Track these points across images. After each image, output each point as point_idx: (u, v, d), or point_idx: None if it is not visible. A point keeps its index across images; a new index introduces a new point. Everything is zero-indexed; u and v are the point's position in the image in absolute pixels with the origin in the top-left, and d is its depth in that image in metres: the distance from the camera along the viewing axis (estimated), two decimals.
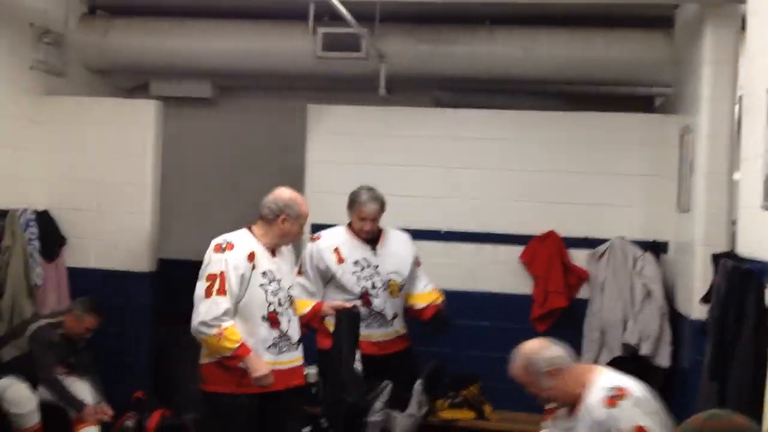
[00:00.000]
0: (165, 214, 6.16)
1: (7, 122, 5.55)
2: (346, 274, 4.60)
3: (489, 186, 5.68)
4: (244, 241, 3.98)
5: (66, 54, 6.14)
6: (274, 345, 3.93)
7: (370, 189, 4.75)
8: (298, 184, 6.01)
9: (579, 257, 5.52)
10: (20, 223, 5.46)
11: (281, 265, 4.05)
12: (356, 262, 4.64)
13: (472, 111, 5.87)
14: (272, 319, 3.91)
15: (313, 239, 4.77)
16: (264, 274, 3.93)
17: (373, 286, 4.63)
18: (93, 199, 5.90)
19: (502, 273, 5.63)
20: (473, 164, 5.69)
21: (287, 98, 6.92)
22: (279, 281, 3.98)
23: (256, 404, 3.91)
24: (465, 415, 5.19)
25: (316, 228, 5.75)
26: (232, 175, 7.07)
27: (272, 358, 3.92)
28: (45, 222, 5.71)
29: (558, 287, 5.43)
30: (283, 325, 3.96)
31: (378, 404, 4.60)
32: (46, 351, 4.92)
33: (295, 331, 4.04)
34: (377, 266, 4.67)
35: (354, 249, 4.68)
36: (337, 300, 4.49)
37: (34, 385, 4.91)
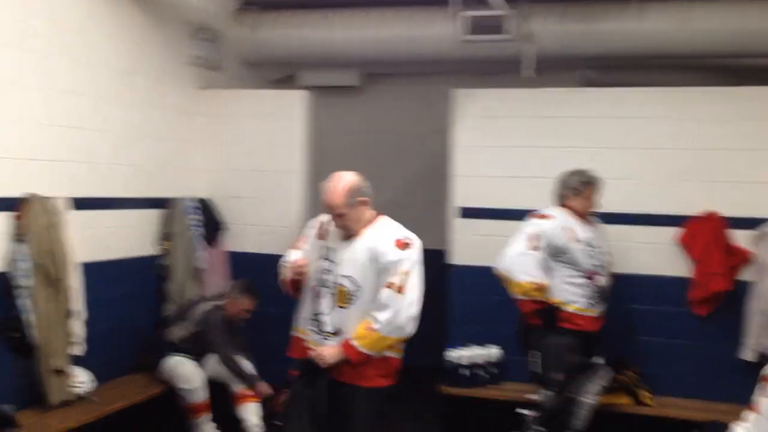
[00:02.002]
0: (315, 200, 6.33)
1: (169, 115, 5.87)
2: (578, 252, 4.69)
3: (644, 166, 5.50)
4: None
5: (220, 48, 6.43)
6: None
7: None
8: (442, 169, 6.06)
9: (742, 237, 5.26)
10: (184, 211, 5.79)
11: None
12: (587, 242, 4.74)
13: (625, 90, 5.71)
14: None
15: (545, 217, 4.75)
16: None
17: (601, 265, 4.79)
18: (249, 186, 6.16)
19: (657, 255, 5.46)
20: (626, 144, 5.53)
21: (431, 83, 6.97)
22: None
23: None
24: (621, 400, 5.07)
25: (466, 212, 5.78)
26: (379, 160, 7.19)
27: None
28: (206, 209, 6.03)
29: (719, 269, 5.20)
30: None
31: (595, 386, 4.72)
32: (219, 331, 5.18)
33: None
34: (600, 247, 4.82)
35: (581, 229, 4.77)
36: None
37: (199, 363, 5.19)
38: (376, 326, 3.53)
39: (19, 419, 4.15)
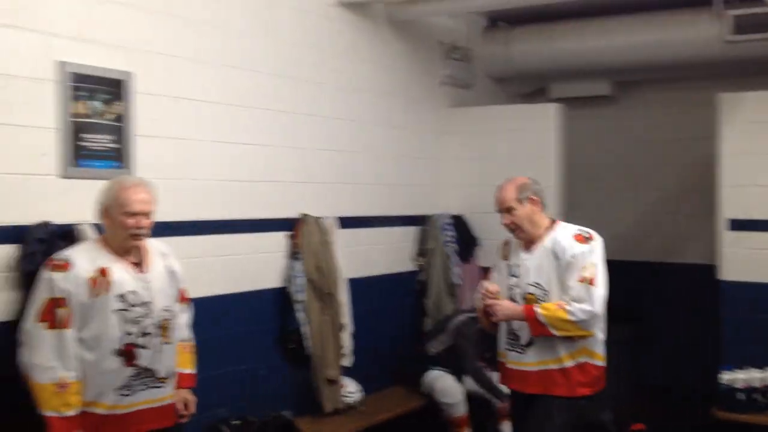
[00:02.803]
0: (568, 213, 6.21)
1: (423, 134, 6.05)
2: None
3: None
4: None
5: (471, 67, 6.53)
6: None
7: None
8: (707, 178, 5.70)
9: None
10: (439, 227, 5.92)
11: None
12: None
13: None
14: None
15: None
16: None
17: None
18: None
19: None
20: None
21: (690, 89, 6.63)
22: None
23: None
24: None
25: (737, 224, 5.38)
26: (635, 171, 6.93)
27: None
28: (460, 225, 6.12)
29: None
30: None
31: None
32: (469, 343, 5.23)
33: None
34: None
35: None
36: None
37: (458, 378, 5.26)
38: (568, 308, 3.46)
39: (297, 425, 4.45)
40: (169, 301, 3.25)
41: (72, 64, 3.59)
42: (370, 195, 5.50)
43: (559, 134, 6.06)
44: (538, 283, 3.60)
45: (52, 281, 2.97)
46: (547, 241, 3.62)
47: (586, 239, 3.57)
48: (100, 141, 3.74)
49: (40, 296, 2.99)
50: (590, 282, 3.47)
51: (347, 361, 4.99)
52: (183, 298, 3.42)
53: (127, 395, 3.08)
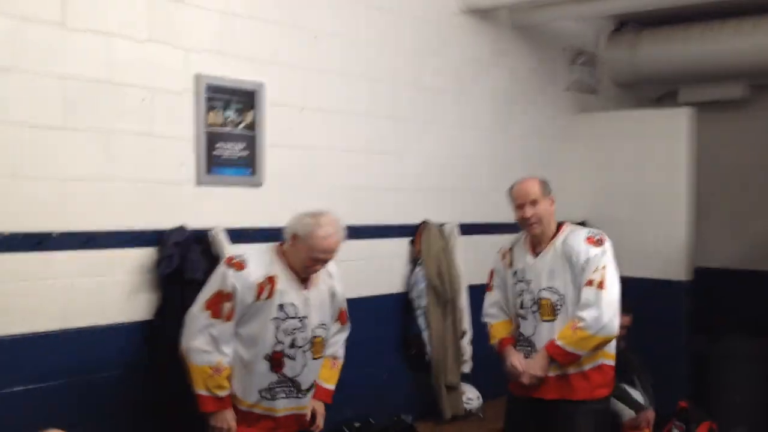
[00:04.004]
0: (699, 221, 6.01)
1: (547, 141, 5.98)
2: None
3: None
4: None
5: (597, 72, 6.41)
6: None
7: None
8: None
9: None
10: None
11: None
12: None
13: None
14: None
15: None
16: None
17: None
18: (629, 210, 6.02)
19: None
20: None
21: None
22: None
23: None
24: None
25: None
26: None
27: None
28: None
29: None
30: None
31: None
32: None
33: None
34: None
35: None
36: None
37: None
38: (581, 324, 3.39)
39: (417, 430, 4.50)
40: (325, 319, 3.35)
41: (208, 77, 3.78)
42: (491, 202, 5.47)
43: (691, 140, 5.86)
44: (552, 287, 3.54)
45: (225, 276, 3.11)
46: (557, 245, 3.56)
47: (597, 241, 3.52)
48: (232, 149, 3.92)
49: (211, 287, 3.14)
50: (599, 285, 3.43)
51: (467, 368, 4.99)
52: (342, 319, 3.50)
53: (268, 399, 3.22)
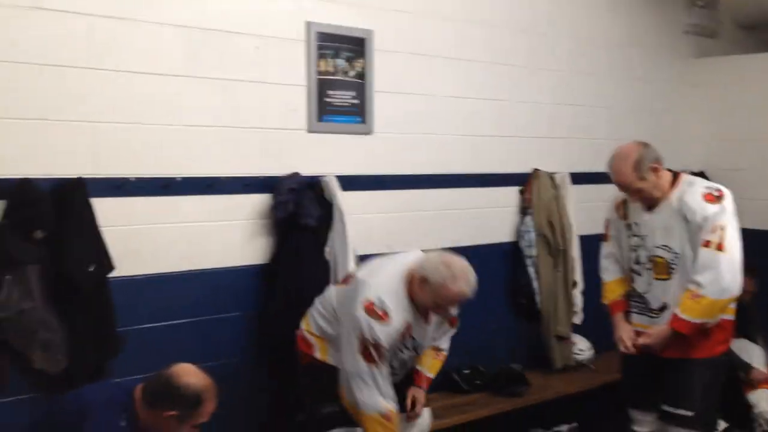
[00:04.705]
0: None
1: (663, 87, 5.74)
2: None
3: None
4: None
5: (718, 14, 6.09)
6: None
7: None
8: None
9: None
10: None
11: None
12: None
13: None
14: None
15: None
16: None
17: None
18: (749, 158, 5.74)
19: None
20: None
21: None
22: None
23: None
24: None
25: None
26: None
27: None
28: None
29: None
30: None
31: None
32: None
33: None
34: None
35: None
36: None
37: None
38: (702, 292, 3.21)
39: (527, 378, 4.48)
40: (437, 336, 3.41)
41: (319, 24, 3.80)
42: (605, 150, 5.26)
43: None
44: (667, 246, 3.37)
45: (371, 328, 3.02)
46: (673, 201, 3.35)
47: (716, 198, 3.29)
48: (342, 97, 3.94)
49: (355, 334, 3.05)
50: (718, 247, 3.22)
51: (578, 319, 4.92)
52: (452, 323, 3.48)
53: None
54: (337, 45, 3.89)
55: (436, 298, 3.11)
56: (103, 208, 3.15)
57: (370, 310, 3.03)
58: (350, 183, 3.91)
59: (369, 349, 3.03)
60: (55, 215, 2.98)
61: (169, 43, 3.36)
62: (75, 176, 3.09)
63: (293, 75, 3.76)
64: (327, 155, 3.90)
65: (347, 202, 3.81)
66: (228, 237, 3.58)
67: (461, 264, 3.14)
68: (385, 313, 3.04)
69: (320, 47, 3.82)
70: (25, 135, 3.02)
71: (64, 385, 2.91)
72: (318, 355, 3.27)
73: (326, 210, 3.77)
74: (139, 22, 3.27)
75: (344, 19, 3.91)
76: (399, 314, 3.08)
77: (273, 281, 3.66)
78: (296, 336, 3.35)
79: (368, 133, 4.06)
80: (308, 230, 3.68)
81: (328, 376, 3.20)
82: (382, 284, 3.11)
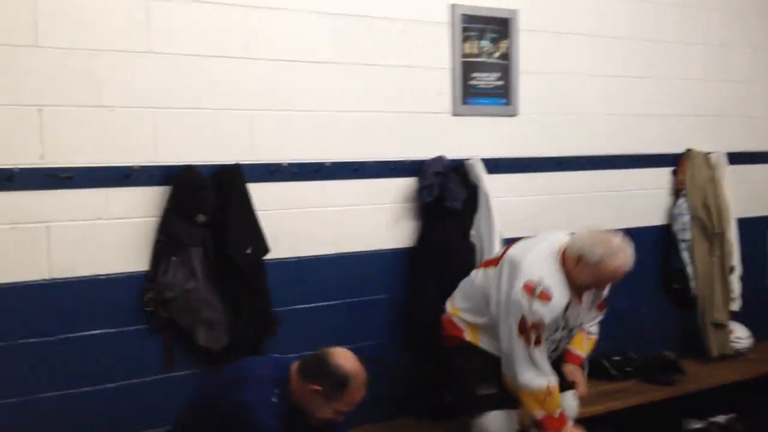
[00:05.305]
0: None
1: None
2: None
3: None
4: None
5: None
6: None
7: None
8: None
9: None
10: None
11: None
12: None
13: None
14: None
15: None
16: None
17: None
18: None
19: None
20: None
21: None
22: None
23: None
24: None
25: None
26: None
27: None
28: None
29: None
30: None
31: None
32: None
33: None
34: None
35: None
36: None
37: None
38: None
39: (682, 366, 4.31)
40: (585, 320, 3.33)
41: (463, 6, 3.78)
42: (762, 128, 5.04)
43: None
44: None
45: (532, 308, 2.99)
46: None
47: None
48: (486, 79, 3.91)
49: (515, 315, 3.02)
50: None
51: (736, 306, 4.68)
52: (600, 307, 3.40)
53: None
54: (482, 26, 3.86)
55: (596, 276, 3.04)
56: (258, 193, 3.27)
57: (531, 290, 2.99)
58: (495, 166, 3.88)
59: (528, 330, 3.00)
60: (215, 200, 3.12)
61: (316, 31, 3.43)
62: (233, 162, 3.22)
63: (438, 58, 3.76)
64: (472, 138, 3.88)
65: (492, 185, 3.78)
66: (374, 220, 3.63)
67: (617, 239, 3.06)
68: (548, 293, 3.00)
69: (465, 29, 3.80)
70: (188, 124, 3.17)
71: (225, 363, 3.04)
72: (468, 337, 3.27)
73: (471, 193, 3.75)
74: (289, 11, 3.36)
75: (488, 0, 3.87)
76: (560, 293, 3.03)
77: (418, 264, 3.68)
78: (442, 319, 3.37)
79: (513, 114, 4.00)
80: (454, 214, 3.67)
81: (480, 358, 3.20)
82: (540, 265, 3.06)
